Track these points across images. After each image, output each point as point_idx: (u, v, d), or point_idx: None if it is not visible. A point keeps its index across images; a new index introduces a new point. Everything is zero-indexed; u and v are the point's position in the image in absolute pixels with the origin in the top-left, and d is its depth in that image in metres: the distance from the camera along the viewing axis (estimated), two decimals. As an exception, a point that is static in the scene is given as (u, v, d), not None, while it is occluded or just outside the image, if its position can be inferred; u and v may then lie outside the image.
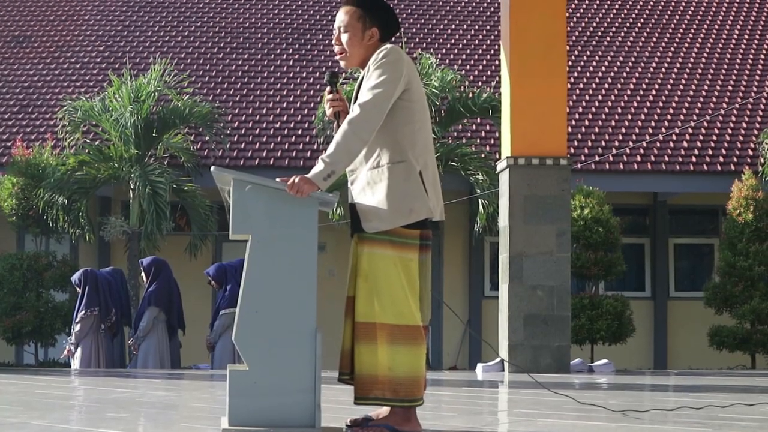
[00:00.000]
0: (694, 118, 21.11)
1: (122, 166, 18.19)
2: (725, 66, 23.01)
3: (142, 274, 14.72)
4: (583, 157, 19.68)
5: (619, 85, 22.32)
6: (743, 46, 23.70)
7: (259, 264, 5.38)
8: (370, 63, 5.51)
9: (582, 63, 22.99)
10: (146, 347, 14.31)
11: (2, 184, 18.04)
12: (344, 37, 5.64)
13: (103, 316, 14.46)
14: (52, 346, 17.84)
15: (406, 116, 5.50)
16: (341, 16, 5.66)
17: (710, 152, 20.30)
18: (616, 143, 20.43)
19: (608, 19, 24.62)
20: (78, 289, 14.65)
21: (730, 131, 20.91)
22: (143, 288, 14.82)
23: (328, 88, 5.76)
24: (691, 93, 22.08)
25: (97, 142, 19.07)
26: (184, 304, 15.01)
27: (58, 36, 23.76)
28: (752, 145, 20.40)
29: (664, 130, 20.65)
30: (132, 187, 18.11)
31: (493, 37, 23.60)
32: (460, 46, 23.63)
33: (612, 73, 22.71)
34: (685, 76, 22.63)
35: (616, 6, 25.14)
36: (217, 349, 14.33)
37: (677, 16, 24.76)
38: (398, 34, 21.80)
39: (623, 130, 20.93)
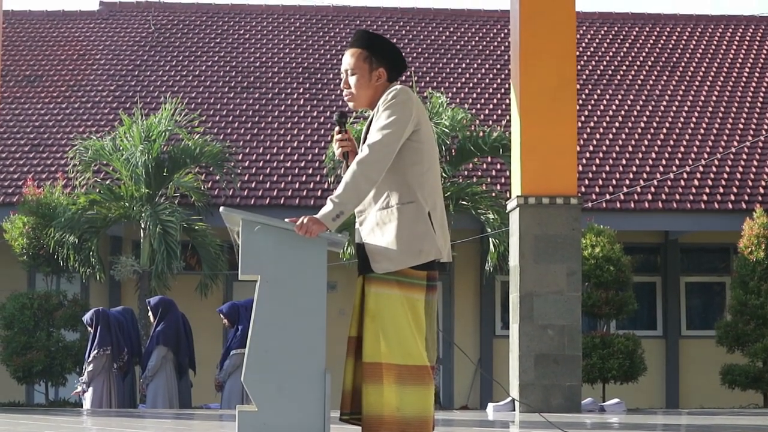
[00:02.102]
0: (705, 155, 21.10)
1: (133, 206, 18.21)
2: (736, 103, 23.02)
3: (150, 313, 14.72)
4: (593, 196, 19.67)
5: (629, 123, 22.32)
6: (754, 84, 23.71)
7: (268, 304, 5.37)
8: (379, 103, 5.51)
9: (593, 100, 23.01)
10: (155, 387, 14.29)
11: (13, 224, 18.07)
12: (352, 80, 5.64)
13: (115, 356, 14.46)
14: (63, 385, 17.82)
15: (415, 157, 5.50)
16: (347, 59, 5.66)
17: (721, 190, 20.26)
18: (627, 181, 20.41)
19: (619, 57, 24.66)
20: (90, 328, 14.65)
21: (741, 169, 20.88)
22: (153, 327, 14.81)
23: (336, 128, 5.76)
24: (702, 130, 22.08)
25: (107, 182, 19.10)
26: (194, 343, 14.99)
27: (70, 75, 23.86)
28: (763, 183, 20.36)
29: (675, 168, 20.63)
30: (143, 226, 18.12)
31: (503, 75, 23.63)
32: (471, 84, 23.67)
33: (623, 111, 22.72)
34: (696, 113, 22.64)
35: (627, 43, 25.19)
36: (227, 389, 14.30)
37: (688, 54, 24.80)
38: (408, 73, 21.94)
39: (634, 168, 20.91)
